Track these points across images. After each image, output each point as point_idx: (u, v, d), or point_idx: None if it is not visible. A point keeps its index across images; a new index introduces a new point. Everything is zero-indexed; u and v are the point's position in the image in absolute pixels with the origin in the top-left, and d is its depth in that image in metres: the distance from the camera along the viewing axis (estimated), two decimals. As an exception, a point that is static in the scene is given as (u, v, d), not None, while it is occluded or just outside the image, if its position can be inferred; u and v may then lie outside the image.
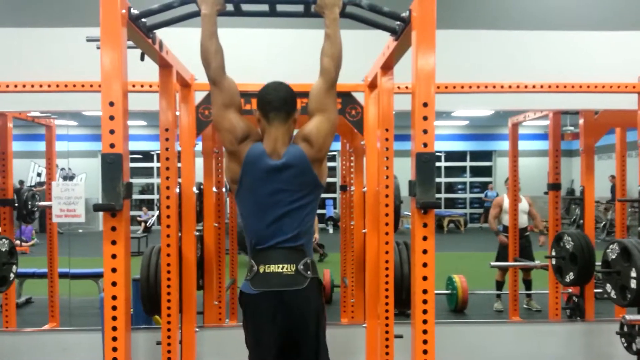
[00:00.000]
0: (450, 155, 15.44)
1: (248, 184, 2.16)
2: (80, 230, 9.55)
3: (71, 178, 9.32)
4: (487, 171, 15.45)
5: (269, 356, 2.15)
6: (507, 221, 5.63)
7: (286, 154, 2.15)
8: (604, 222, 11.21)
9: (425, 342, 1.86)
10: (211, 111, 2.23)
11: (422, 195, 1.81)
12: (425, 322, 1.85)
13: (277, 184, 2.14)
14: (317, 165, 2.17)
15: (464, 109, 6.97)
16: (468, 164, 15.65)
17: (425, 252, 1.84)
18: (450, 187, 15.88)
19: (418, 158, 1.81)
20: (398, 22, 2.07)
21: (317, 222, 7.40)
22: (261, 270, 2.13)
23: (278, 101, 2.16)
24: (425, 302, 1.85)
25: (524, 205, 5.83)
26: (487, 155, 15.38)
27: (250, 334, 2.22)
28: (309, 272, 2.14)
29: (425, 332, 1.86)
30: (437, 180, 15.48)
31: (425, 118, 1.81)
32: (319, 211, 8.47)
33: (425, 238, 1.84)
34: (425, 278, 1.85)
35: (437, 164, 15.28)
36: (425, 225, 1.84)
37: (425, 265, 1.84)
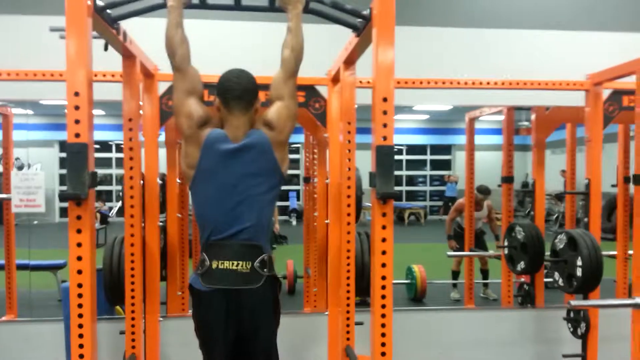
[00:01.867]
0: (411, 149, 15.71)
1: (207, 168, 2.11)
2: (36, 222, 9.31)
3: (28, 167, 9.05)
4: (446, 164, 15.79)
5: (218, 355, 2.12)
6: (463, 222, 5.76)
7: (247, 136, 2.13)
8: (556, 215, 11.70)
9: (383, 325, 1.95)
10: (172, 96, 2.20)
11: (381, 186, 1.89)
12: (383, 306, 1.95)
13: (237, 167, 2.09)
14: (278, 148, 2.15)
15: (424, 104, 7.14)
16: (428, 157, 15.96)
17: (384, 240, 1.93)
18: (411, 180, 16.16)
19: (378, 151, 1.89)
20: (359, 20, 2.15)
21: (277, 213, 7.44)
22: (214, 266, 2.07)
23: (239, 90, 2.13)
24: (383, 287, 1.95)
25: (482, 213, 6.04)
26: (446, 149, 15.71)
27: (200, 329, 2.17)
28: (265, 270, 2.09)
29: (383, 316, 1.95)
30: (398, 173, 15.79)
31: (385, 112, 1.89)
32: (282, 203, 8.55)
33: (384, 227, 1.93)
34: (384, 265, 1.94)
35: (398, 157, 15.66)
36: (384, 214, 1.93)
37: (384, 252, 1.93)
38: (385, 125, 1.89)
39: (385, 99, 1.89)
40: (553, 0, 4.14)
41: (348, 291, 2.81)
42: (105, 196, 13.28)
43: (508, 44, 3.84)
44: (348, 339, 2.82)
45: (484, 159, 7.51)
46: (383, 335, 1.95)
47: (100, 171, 14.12)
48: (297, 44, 2.17)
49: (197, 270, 2.13)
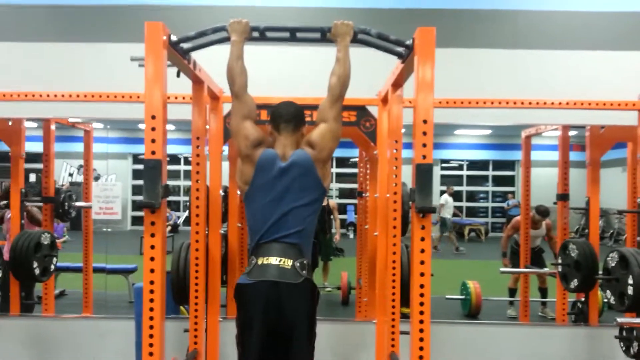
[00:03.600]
0: (473, 164, 15.50)
1: (259, 184, 2.39)
2: (110, 230, 9.94)
3: (99, 179, 9.74)
4: (510, 180, 15.43)
5: (257, 348, 2.26)
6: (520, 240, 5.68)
7: (292, 155, 2.41)
8: (611, 231, 11.41)
9: (421, 330, 2.10)
10: (231, 119, 2.50)
11: (420, 201, 2.06)
12: (422, 312, 2.10)
13: (285, 183, 2.36)
14: (319, 165, 2.40)
15: (479, 123, 7.15)
16: (490, 173, 15.67)
17: (422, 251, 2.09)
18: (472, 196, 15.90)
19: (417, 168, 2.06)
20: (403, 48, 2.33)
21: (339, 225, 7.63)
22: (259, 262, 2.29)
23: (288, 115, 2.45)
24: (422, 295, 2.10)
25: (540, 232, 5.97)
26: (509, 164, 15.37)
27: (242, 325, 2.33)
28: (304, 272, 2.29)
29: (421, 322, 2.10)
30: (459, 188, 15.54)
31: (424, 133, 2.06)
32: (341, 216, 8.73)
33: (422, 239, 2.09)
34: (422, 274, 2.09)
35: (459, 172, 15.44)
36: (423, 227, 2.09)
37: (422, 262, 2.09)
38: (424, 145, 2.06)
39: (425, 121, 2.06)
40: (605, 21, 4.14)
41: (393, 300, 2.96)
42: (174, 206, 13.86)
43: (559, 64, 3.90)
44: (393, 345, 2.95)
45: (547, 175, 7.33)
46: (421, 339, 2.10)
47: (170, 183, 14.79)
48: (344, 73, 2.42)
49: (245, 270, 2.37)
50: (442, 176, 15.22)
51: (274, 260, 2.27)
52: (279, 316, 2.24)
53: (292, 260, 2.29)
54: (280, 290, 2.23)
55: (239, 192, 4.25)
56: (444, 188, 15.22)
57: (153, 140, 2.07)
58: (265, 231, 2.35)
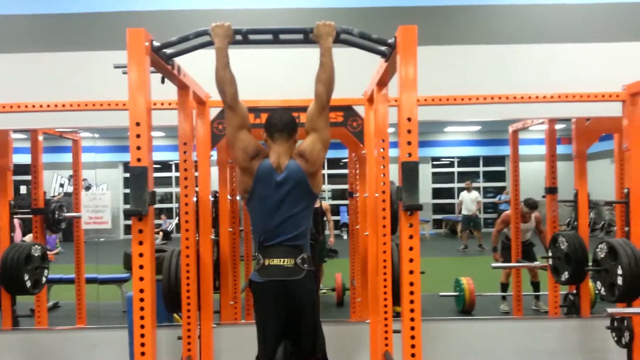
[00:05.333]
0: (463, 161, 15.57)
1: (258, 195, 2.61)
2: (102, 239, 9.90)
3: (90, 188, 9.69)
4: (501, 176, 15.49)
5: (274, 333, 2.61)
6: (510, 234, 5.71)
7: (287, 168, 2.59)
8: (602, 223, 11.49)
9: (412, 328, 2.11)
10: (226, 131, 2.63)
11: (407, 199, 2.07)
12: (412, 310, 2.11)
13: (280, 195, 2.58)
14: (311, 177, 2.61)
15: (464, 119, 7.17)
16: (481, 169, 15.73)
17: (411, 249, 2.10)
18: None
19: (403, 166, 2.07)
20: (386, 47, 2.34)
21: (333, 227, 7.63)
22: (266, 263, 2.58)
23: (281, 124, 2.63)
24: (412, 293, 2.11)
25: (529, 225, 6.01)
26: (500, 160, 15.44)
27: (258, 314, 2.67)
28: (305, 265, 2.59)
29: (412, 320, 2.11)
30: (450, 185, 15.55)
31: (409, 131, 2.06)
32: (334, 217, 8.75)
33: (411, 237, 2.10)
34: (411, 272, 2.11)
35: (450, 169, 15.49)
36: (410, 225, 2.10)
37: (411, 260, 2.10)
38: (409, 143, 2.07)
39: (409, 119, 2.07)
40: (586, 13, 4.18)
41: (385, 299, 2.96)
42: (167, 213, 13.81)
43: (544, 58, 3.92)
44: (387, 345, 2.96)
45: (536, 169, 7.37)
46: (412, 337, 2.11)
47: (162, 190, 14.77)
48: (328, 78, 2.49)
49: (254, 267, 2.65)
50: (434, 174, 15.30)
51: (278, 261, 2.56)
52: (288, 306, 2.57)
53: (293, 259, 2.57)
54: (287, 286, 2.54)
55: (229, 197, 4.25)
56: (435, 186, 15.33)
57: (138, 148, 2.07)
58: (267, 237, 2.61)
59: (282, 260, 2.57)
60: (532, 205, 5.91)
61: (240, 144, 2.57)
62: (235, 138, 2.57)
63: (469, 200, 11.83)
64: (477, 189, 15.76)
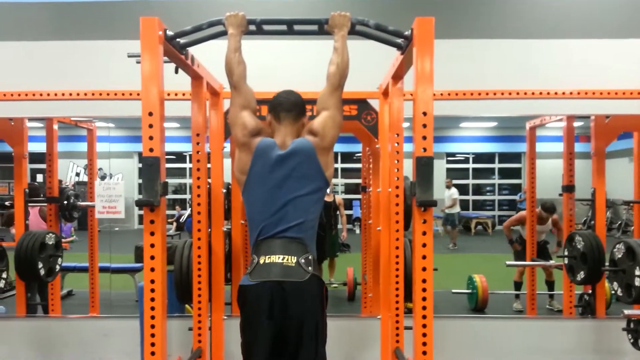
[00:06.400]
0: (479, 157, 15.43)
1: (257, 173, 2.26)
2: (117, 229, 9.97)
3: (110, 177, 9.77)
4: (516, 173, 15.34)
5: (263, 352, 2.10)
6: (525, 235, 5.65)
7: (293, 143, 2.29)
8: (619, 222, 11.34)
9: (424, 326, 2.08)
10: (229, 111, 2.40)
11: (421, 194, 2.03)
12: (424, 308, 2.08)
13: (284, 171, 2.23)
14: (321, 153, 2.27)
15: (483, 114, 7.06)
16: (497, 165, 15.59)
17: (424, 245, 2.06)
18: (478, 189, 15.84)
19: (418, 161, 2.03)
20: (402, 39, 2.29)
21: (346, 221, 7.61)
22: (261, 262, 2.14)
23: (288, 104, 2.35)
24: (424, 290, 2.08)
25: (546, 227, 5.92)
26: (515, 157, 15.27)
27: (245, 328, 2.19)
28: (309, 268, 2.14)
29: (424, 317, 2.08)
30: (464, 182, 15.46)
31: (424, 125, 2.03)
32: (347, 212, 8.73)
33: (424, 233, 2.06)
34: (424, 269, 2.07)
35: (465, 165, 15.37)
36: (424, 221, 2.06)
37: (424, 257, 2.07)
38: (424, 138, 2.03)
39: (424, 113, 2.03)
40: (607, 9, 4.09)
41: (397, 295, 2.93)
42: (181, 204, 13.86)
43: (563, 53, 3.85)
44: (397, 341, 2.93)
45: (553, 166, 7.25)
46: (424, 335, 2.08)
47: (176, 181, 14.84)
48: (342, 62, 2.34)
49: (246, 270, 2.22)
50: (448, 169, 15.19)
51: (276, 259, 2.12)
52: (284, 318, 2.09)
53: (296, 257, 2.14)
54: (285, 290, 2.08)
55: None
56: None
57: (151, 138, 2.06)
58: (265, 224, 2.20)
59: (281, 257, 2.13)
60: (549, 209, 5.80)
61: (240, 120, 2.31)
62: (237, 116, 2.33)
63: (446, 197, 11.77)
64: (493, 185, 15.70)
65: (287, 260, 2.13)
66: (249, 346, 2.18)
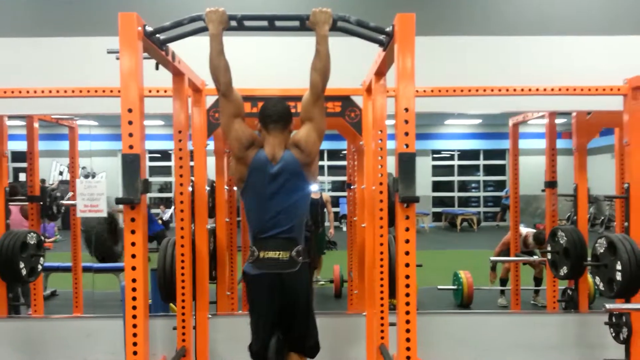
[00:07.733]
0: (464, 154, 15.52)
1: (252, 184, 2.59)
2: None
3: (92, 176, 9.65)
4: (501, 169, 15.46)
5: (267, 322, 2.61)
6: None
7: (282, 159, 2.57)
8: (602, 218, 11.52)
9: (408, 322, 2.08)
10: (220, 119, 2.62)
11: (404, 190, 2.03)
12: (408, 304, 2.08)
13: (275, 186, 2.56)
14: (307, 167, 2.60)
15: (465, 111, 7.10)
16: (481, 162, 15.69)
17: (407, 241, 2.06)
18: (463, 186, 15.94)
19: (400, 157, 2.03)
20: (384, 36, 2.29)
21: (333, 218, 7.61)
22: (261, 256, 2.57)
23: (276, 115, 2.59)
24: (407, 286, 2.08)
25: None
26: (500, 153, 15.39)
27: (252, 304, 2.66)
28: (300, 258, 2.60)
29: (408, 313, 2.08)
30: (450, 179, 15.52)
31: (406, 121, 2.02)
32: (334, 209, 8.75)
33: (407, 229, 2.06)
34: (407, 265, 2.07)
35: (450, 162, 15.46)
36: (407, 217, 2.06)
37: (407, 253, 2.07)
38: (407, 134, 2.03)
39: (406, 109, 2.03)
40: (589, 6, 4.12)
41: (382, 292, 2.94)
42: (166, 203, 13.76)
43: (545, 50, 3.87)
44: (382, 337, 2.94)
45: (537, 163, 7.31)
46: (408, 331, 2.08)
47: (161, 179, 14.73)
48: (324, 67, 2.45)
49: (249, 259, 2.62)
50: (434, 166, 15.27)
51: (273, 254, 2.55)
52: (283, 297, 2.57)
53: (288, 252, 2.56)
54: (282, 279, 2.55)
55: (226, 187, 4.21)
56: (436, 179, 15.30)
57: (130, 134, 2.03)
58: (261, 228, 2.59)
59: (277, 253, 2.56)
60: (541, 240, 5.63)
61: (234, 134, 2.55)
62: (229, 127, 2.55)
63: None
64: (478, 182, 15.80)
65: (282, 255, 2.56)
66: (257, 321, 2.65)
